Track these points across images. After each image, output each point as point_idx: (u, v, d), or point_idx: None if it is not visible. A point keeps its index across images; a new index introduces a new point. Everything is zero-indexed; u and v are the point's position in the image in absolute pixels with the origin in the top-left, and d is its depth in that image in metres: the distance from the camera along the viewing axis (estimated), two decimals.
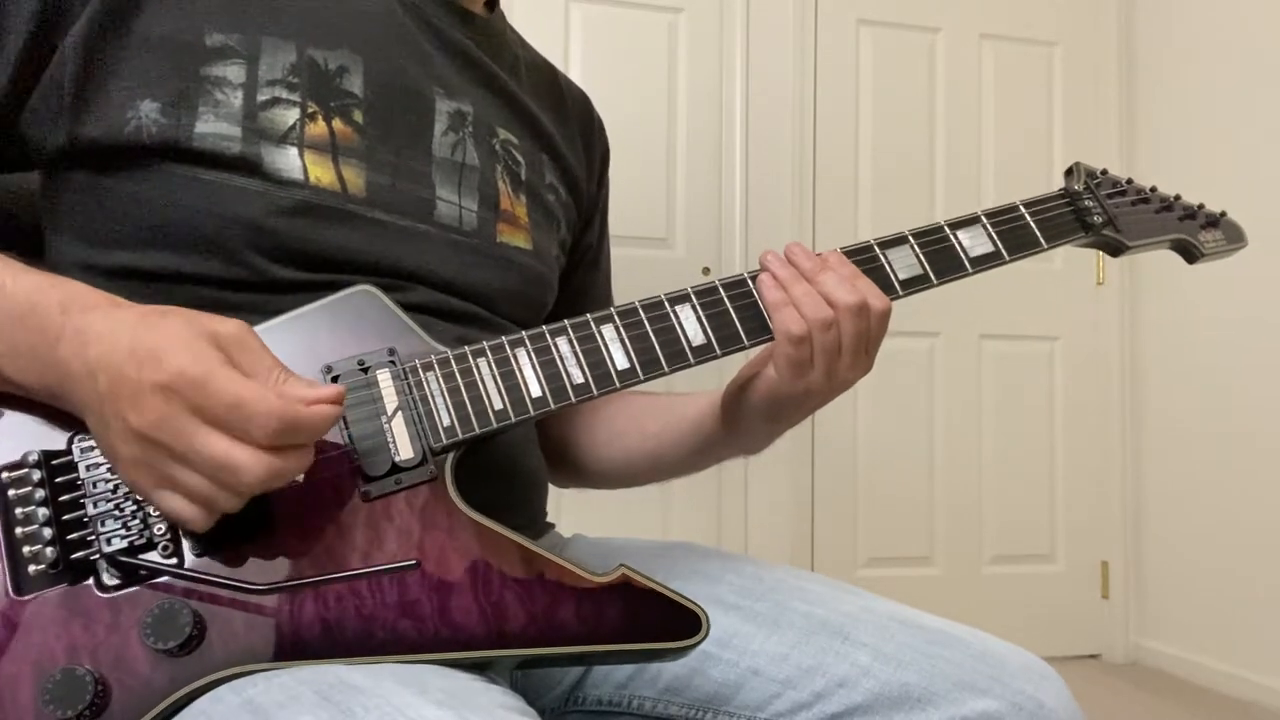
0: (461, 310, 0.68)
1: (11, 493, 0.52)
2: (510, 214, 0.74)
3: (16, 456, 0.53)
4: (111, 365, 0.47)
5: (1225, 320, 2.42)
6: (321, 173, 0.63)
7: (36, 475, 0.52)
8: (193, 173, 0.60)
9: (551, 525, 0.83)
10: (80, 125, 0.60)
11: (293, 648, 0.51)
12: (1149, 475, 2.68)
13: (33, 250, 0.67)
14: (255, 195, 0.60)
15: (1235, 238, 0.73)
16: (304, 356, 0.57)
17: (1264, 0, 2.36)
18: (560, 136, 0.82)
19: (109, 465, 0.52)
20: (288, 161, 0.62)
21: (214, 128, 0.60)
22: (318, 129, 0.64)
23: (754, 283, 0.64)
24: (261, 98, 0.62)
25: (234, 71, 0.62)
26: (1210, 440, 2.47)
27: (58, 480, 0.52)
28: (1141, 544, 2.70)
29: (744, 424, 0.72)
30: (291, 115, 0.63)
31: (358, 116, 0.66)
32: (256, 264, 0.61)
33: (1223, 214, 0.74)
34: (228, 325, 0.49)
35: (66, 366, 0.49)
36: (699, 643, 0.55)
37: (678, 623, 0.55)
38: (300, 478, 0.51)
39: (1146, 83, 2.72)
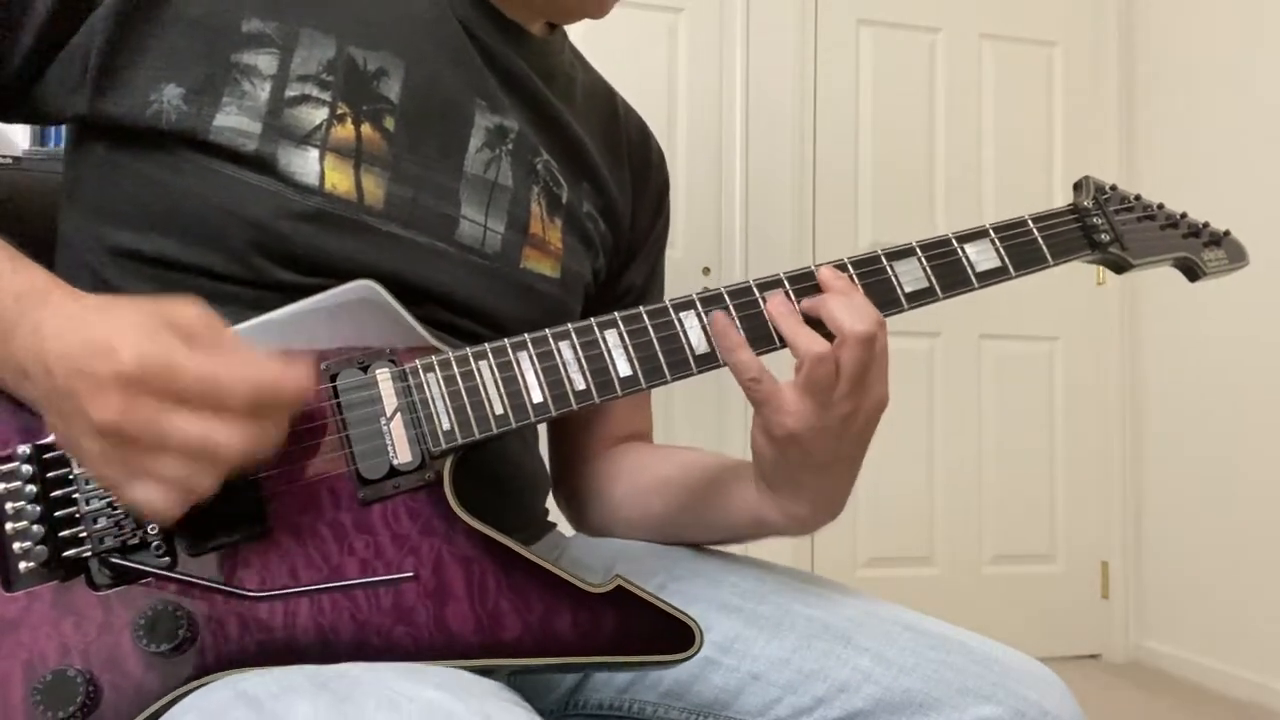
0: (469, 331, 0.66)
1: (1, 487, 0.51)
2: (540, 238, 0.71)
3: (6, 451, 0.52)
4: (68, 360, 0.46)
5: (1225, 320, 2.42)
6: (339, 179, 0.61)
7: (27, 470, 0.51)
8: (208, 163, 0.59)
9: (553, 525, 0.82)
10: (102, 100, 0.59)
11: (286, 652, 0.51)
12: (1149, 475, 2.68)
13: (37, 246, 0.66)
14: (267, 195, 0.59)
15: (1237, 256, 0.73)
16: (302, 353, 0.57)
17: (1264, 2, 2.36)
18: (606, 168, 0.79)
19: None
20: (305, 164, 0.60)
21: (234, 121, 0.59)
22: (344, 132, 0.62)
23: (759, 292, 0.62)
24: (290, 93, 0.60)
25: (266, 61, 0.60)
26: (1210, 440, 2.47)
27: (49, 475, 0.52)
28: (1141, 544, 2.69)
29: (764, 466, 0.65)
30: (319, 115, 0.61)
31: (389, 123, 0.64)
32: (258, 264, 0.60)
33: (1226, 232, 0.74)
34: (185, 309, 0.48)
35: (21, 362, 0.48)
36: (691, 656, 0.55)
37: (671, 635, 0.55)
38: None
39: (1146, 83, 2.72)
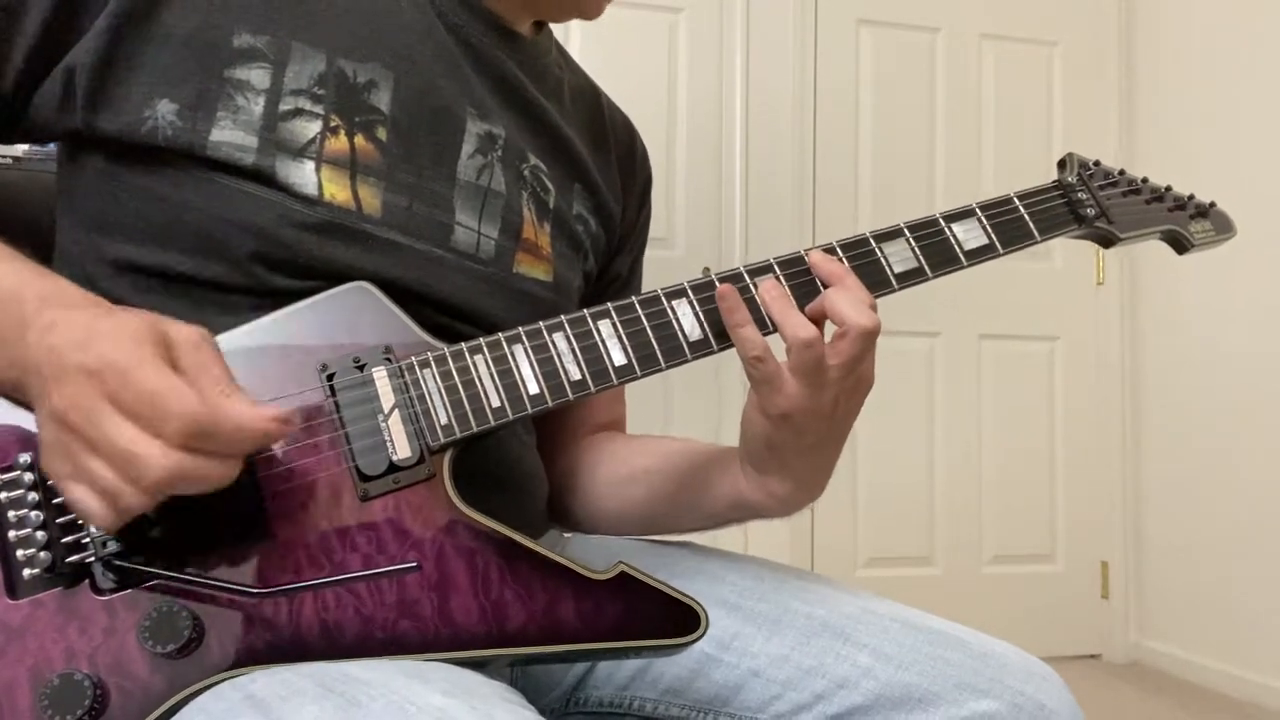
0: (466, 336, 0.65)
1: (4, 495, 0.51)
2: (532, 243, 0.72)
3: (8, 459, 0.52)
4: (55, 350, 0.47)
5: (1225, 320, 2.42)
6: (337, 190, 0.62)
7: (29, 478, 0.52)
8: (208, 176, 0.59)
9: (551, 525, 0.82)
10: (95, 117, 0.59)
11: (292, 649, 0.51)
12: (1149, 475, 2.68)
13: (38, 247, 0.66)
14: (269, 205, 0.59)
15: (1224, 228, 0.74)
16: (299, 354, 0.57)
17: (1265, 3, 2.36)
18: (595, 166, 0.80)
19: None
20: (303, 176, 0.60)
21: (230, 136, 0.59)
22: (339, 144, 0.62)
23: (750, 278, 0.63)
24: (284, 107, 0.61)
25: (258, 76, 0.61)
26: (1210, 440, 2.47)
27: (50, 483, 0.52)
28: (1141, 544, 2.69)
29: (754, 445, 0.66)
30: (313, 128, 0.61)
31: (382, 134, 0.64)
32: (259, 273, 0.60)
33: (1212, 204, 0.74)
34: (184, 330, 0.48)
35: (28, 357, 0.49)
36: (698, 639, 0.55)
37: (677, 619, 0.55)
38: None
39: (1146, 82, 2.72)
